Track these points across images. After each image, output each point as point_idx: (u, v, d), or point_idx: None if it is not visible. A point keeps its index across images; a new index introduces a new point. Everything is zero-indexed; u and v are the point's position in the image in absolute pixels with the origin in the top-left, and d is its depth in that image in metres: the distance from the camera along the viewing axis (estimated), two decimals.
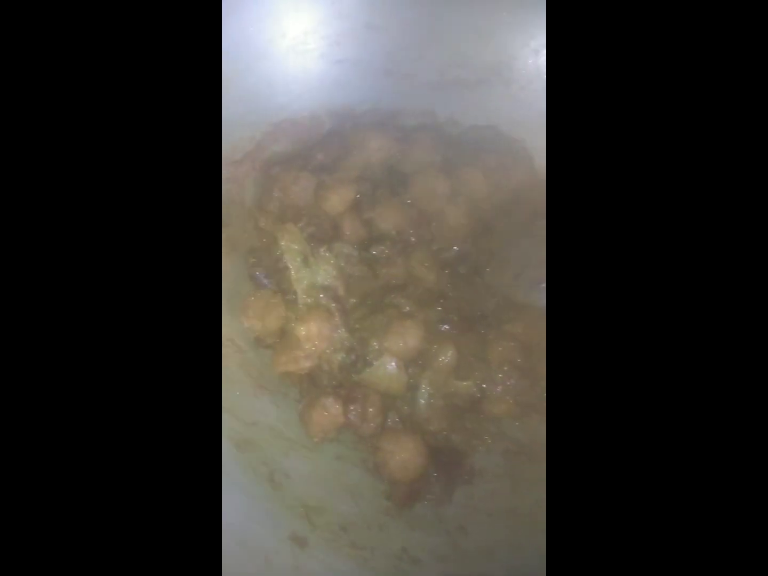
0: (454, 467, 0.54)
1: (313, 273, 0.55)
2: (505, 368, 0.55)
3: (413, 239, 0.60)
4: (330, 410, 0.52)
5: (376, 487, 0.52)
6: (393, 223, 0.59)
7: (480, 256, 0.60)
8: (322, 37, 0.63)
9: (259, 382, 0.55)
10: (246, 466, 0.50)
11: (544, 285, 0.54)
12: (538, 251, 0.56)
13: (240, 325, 0.56)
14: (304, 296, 0.54)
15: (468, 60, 0.65)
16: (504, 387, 0.55)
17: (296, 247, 0.55)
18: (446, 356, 0.55)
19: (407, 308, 0.56)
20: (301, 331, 0.53)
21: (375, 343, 0.54)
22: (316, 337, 0.53)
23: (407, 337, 0.54)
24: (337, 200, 0.59)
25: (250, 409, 0.53)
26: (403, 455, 0.52)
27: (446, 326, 0.56)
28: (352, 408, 0.53)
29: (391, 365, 0.54)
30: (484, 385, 0.55)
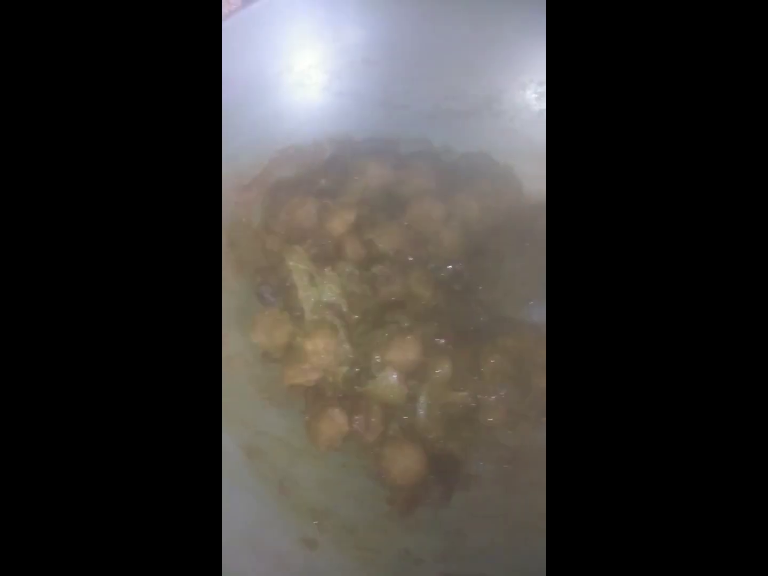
0: (452, 473, 0.57)
1: (320, 291, 0.58)
2: (498, 379, 0.59)
3: (411, 259, 0.63)
4: (335, 420, 0.55)
5: (379, 492, 0.55)
6: (392, 244, 0.63)
7: (473, 275, 0.63)
8: (324, 71, 0.67)
9: (268, 395, 0.58)
10: (256, 473, 0.53)
11: (532, 302, 0.58)
12: (526, 270, 0.61)
13: (249, 341, 0.59)
14: (311, 313, 0.58)
15: (460, 92, 0.69)
16: (497, 397, 0.58)
17: (303, 267, 0.58)
18: (443, 369, 0.58)
19: (406, 324, 0.59)
20: (308, 346, 0.56)
21: (377, 357, 0.57)
22: (322, 351, 0.56)
23: (407, 351, 0.57)
24: (339, 222, 0.62)
25: (260, 420, 0.56)
26: (404, 462, 0.55)
27: (442, 340, 0.59)
28: (356, 418, 0.55)
29: (392, 377, 0.57)
30: (479, 396, 0.58)
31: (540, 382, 0.59)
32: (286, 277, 0.59)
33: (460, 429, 0.59)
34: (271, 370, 0.58)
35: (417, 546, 0.52)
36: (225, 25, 0.57)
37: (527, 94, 0.70)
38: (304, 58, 0.65)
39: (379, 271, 0.62)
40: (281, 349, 0.58)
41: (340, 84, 0.68)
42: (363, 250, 0.63)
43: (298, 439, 0.56)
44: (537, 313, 0.58)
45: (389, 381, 0.57)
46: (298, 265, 0.58)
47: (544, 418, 0.59)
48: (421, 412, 0.58)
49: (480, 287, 0.63)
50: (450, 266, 0.64)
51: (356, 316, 0.59)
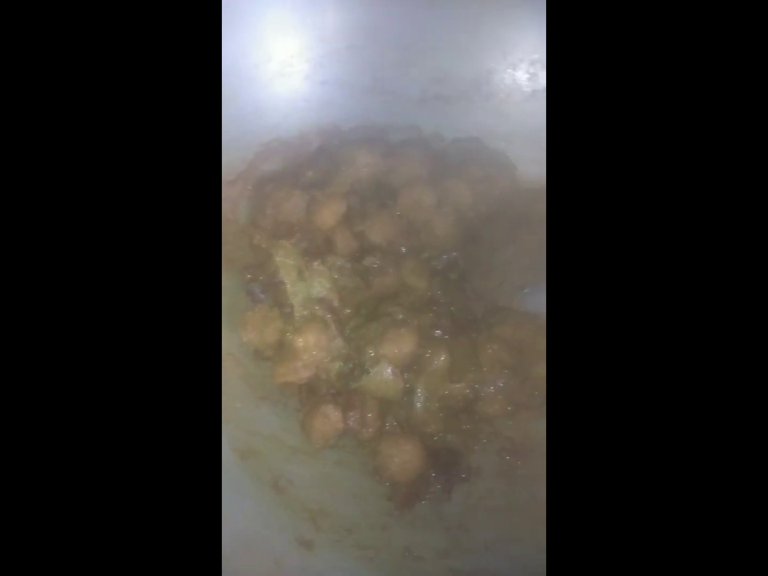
0: (452, 467, 0.56)
1: (308, 286, 0.57)
2: (496, 369, 0.57)
3: (403, 249, 0.62)
4: (330, 417, 0.54)
5: (377, 489, 0.54)
6: (383, 234, 0.62)
7: (468, 263, 0.62)
8: (306, 59, 0.65)
9: (260, 393, 0.57)
10: (251, 474, 0.52)
11: (527, 290, 0.57)
12: (520, 258, 0.59)
13: (239, 339, 0.58)
14: (300, 309, 0.56)
15: (448, 76, 0.68)
16: (496, 387, 0.57)
17: (291, 262, 0.57)
18: (439, 360, 0.57)
19: (400, 316, 0.58)
20: (299, 342, 0.55)
21: (371, 351, 0.56)
22: (313, 347, 0.55)
23: (402, 344, 0.56)
24: (328, 215, 0.61)
25: (253, 419, 0.55)
26: (402, 457, 0.54)
27: (439, 331, 0.58)
28: (351, 414, 0.54)
29: (387, 371, 0.55)
30: (477, 386, 0.57)
31: (539, 370, 0.57)
32: (275, 273, 0.57)
33: (459, 421, 0.58)
34: (262, 368, 0.58)
35: (418, 543, 0.51)
36: None
37: (518, 74, 0.68)
38: (285, 47, 0.64)
39: (370, 263, 0.61)
40: (272, 347, 0.57)
41: (323, 72, 0.66)
42: (354, 242, 0.62)
43: (292, 437, 0.55)
44: (533, 301, 0.57)
45: (384, 375, 0.56)
46: (285, 260, 0.56)
47: (545, 407, 0.58)
48: (418, 405, 0.57)
49: (475, 276, 0.62)
50: (444, 255, 0.63)
51: (348, 310, 0.58)
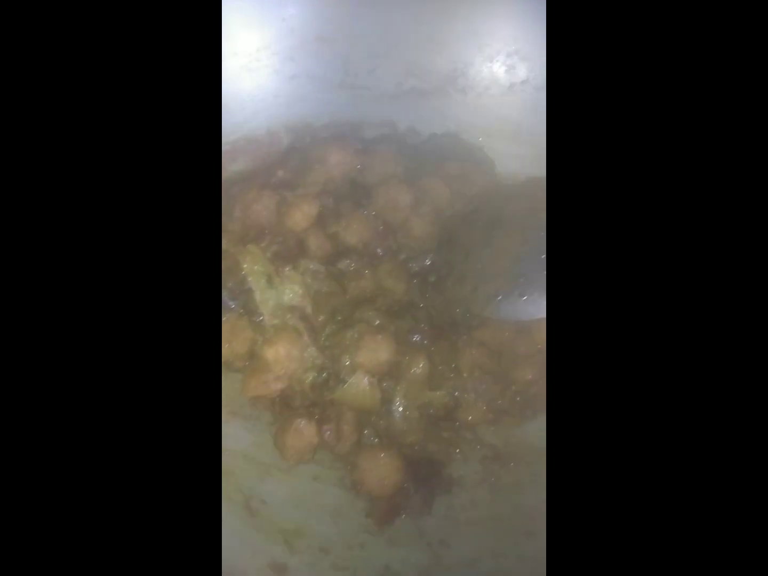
0: (433, 478, 0.54)
1: (279, 293, 0.54)
2: (476, 374, 0.55)
3: (380, 251, 0.60)
4: (304, 432, 0.52)
5: (355, 505, 0.52)
6: (358, 235, 0.59)
7: (446, 265, 0.60)
8: (274, 53, 0.62)
9: (230, 408, 0.54)
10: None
11: (500, 298, 0.55)
12: (494, 263, 0.57)
13: None
14: (271, 317, 0.54)
15: (423, 69, 0.65)
16: (476, 393, 0.55)
17: (259, 269, 0.54)
18: (418, 367, 0.55)
19: (377, 321, 0.56)
20: (269, 353, 0.52)
21: (347, 360, 0.54)
22: (285, 358, 0.52)
23: (379, 351, 0.54)
24: (300, 216, 0.58)
25: (222, 436, 0.52)
26: (381, 471, 0.52)
27: (417, 336, 0.56)
28: (326, 428, 0.52)
29: (364, 381, 0.53)
30: (457, 393, 0.55)
31: (520, 374, 0.56)
32: (244, 279, 0.55)
33: (440, 429, 0.56)
34: (232, 381, 0.55)
35: (398, 561, 0.50)
36: None
37: (495, 66, 0.66)
38: (250, 39, 0.60)
39: (345, 266, 0.58)
40: (243, 358, 0.55)
41: (293, 66, 0.63)
42: (328, 245, 0.59)
43: (264, 453, 0.53)
44: (506, 309, 0.54)
45: (361, 385, 0.53)
46: (252, 266, 0.54)
47: (528, 412, 0.57)
48: (397, 415, 0.54)
49: (454, 278, 0.59)
50: (422, 257, 0.61)
51: (322, 317, 0.56)
